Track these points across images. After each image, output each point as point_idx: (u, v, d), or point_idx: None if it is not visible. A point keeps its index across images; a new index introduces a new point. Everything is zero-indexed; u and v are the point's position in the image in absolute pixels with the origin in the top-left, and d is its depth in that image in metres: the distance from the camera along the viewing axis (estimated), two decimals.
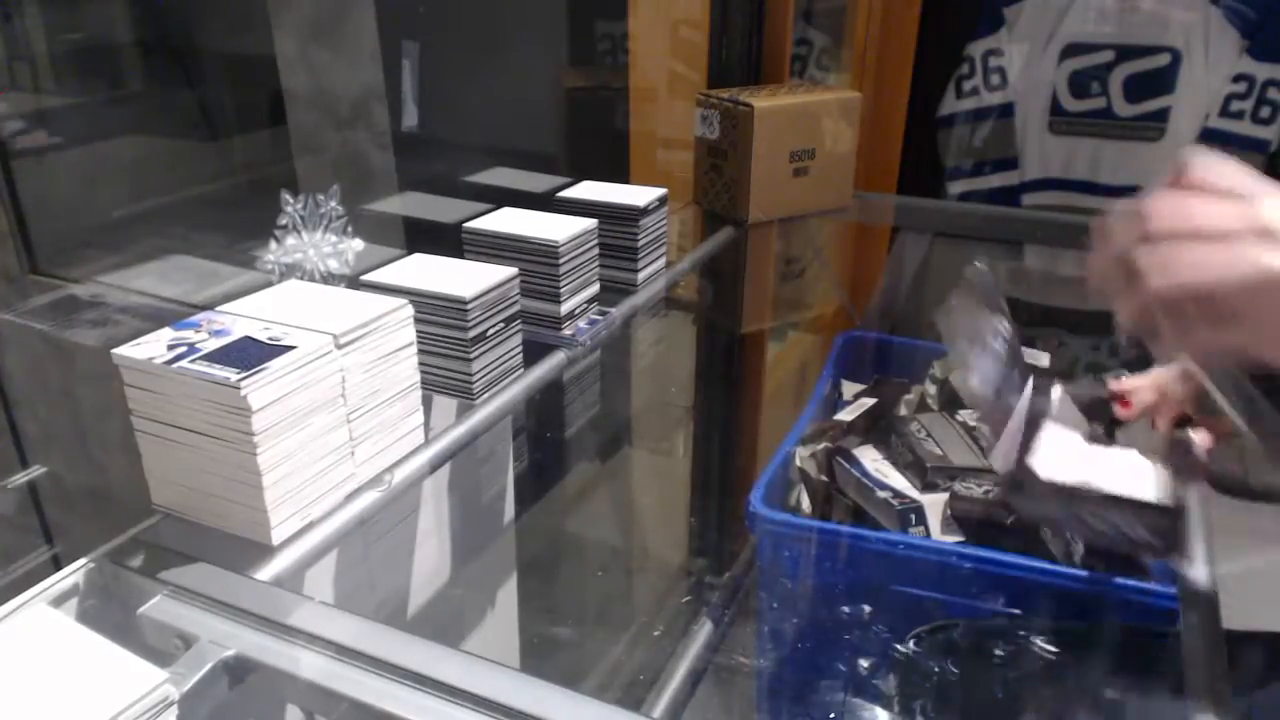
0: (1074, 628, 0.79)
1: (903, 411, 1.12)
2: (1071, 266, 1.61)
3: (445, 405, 0.73)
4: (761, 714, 1.07)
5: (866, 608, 0.89)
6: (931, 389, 1.14)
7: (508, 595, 1.02)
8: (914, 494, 0.95)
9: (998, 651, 0.78)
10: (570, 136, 1.36)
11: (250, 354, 0.55)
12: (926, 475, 0.97)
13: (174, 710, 0.43)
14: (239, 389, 0.52)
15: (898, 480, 0.99)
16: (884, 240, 1.63)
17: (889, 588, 0.89)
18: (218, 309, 0.62)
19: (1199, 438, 0.74)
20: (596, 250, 0.87)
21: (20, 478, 1.05)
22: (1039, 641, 0.78)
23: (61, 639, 0.45)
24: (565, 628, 1.25)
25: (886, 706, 0.79)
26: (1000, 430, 0.72)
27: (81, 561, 0.53)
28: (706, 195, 1.24)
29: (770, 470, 1.02)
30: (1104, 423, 0.79)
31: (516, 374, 0.77)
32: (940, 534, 0.92)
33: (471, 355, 0.71)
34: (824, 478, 1.02)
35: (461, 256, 0.84)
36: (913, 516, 0.92)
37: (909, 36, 1.59)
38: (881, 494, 0.94)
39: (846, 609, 0.90)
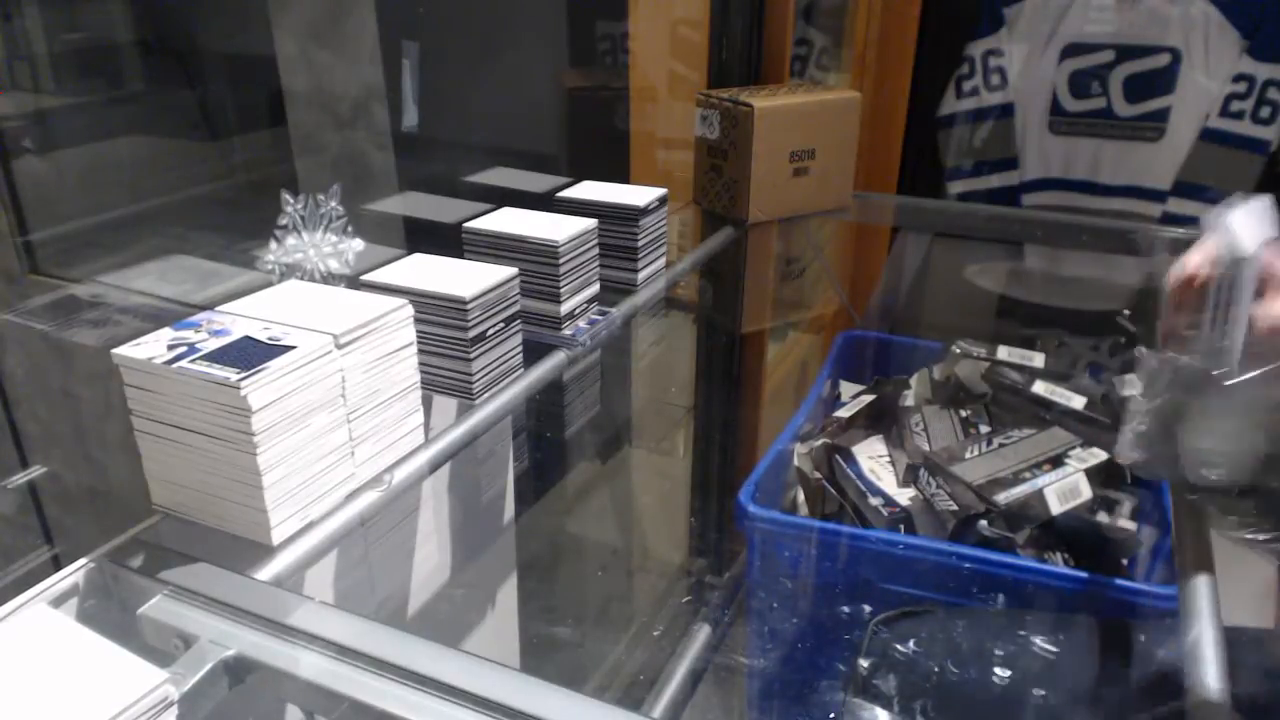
0: (1073, 627, 0.80)
1: (909, 402, 1.12)
2: (1071, 266, 1.61)
3: (445, 405, 0.73)
4: (752, 713, 1.07)
5: (867, 607, 0.89)
6: (929, 390, 1.14)
7: (508, 595, 1.02)
8: (904, 501, 0.95)
9: (997, 651, 0.78)
10: (570, 136, 1.36)
11: (250, 354, 0.55)
12: (919, 473, 0.97)
13: (174, 710, 0.43)
14: (239, 389, 0.52)
15: (890, 483, 0.99)
16: (884, 240, 1.63)
17: (883, 587, 0.89)
18: (218, 309, 0.62)
19: None
20: (596, 250, 0.87)
21: (20, 478, 1.05)
22: (1038, 641, 0.78)
23: (61, 639, 0.45)
24: (565, 628, 1.25)
25: (886, 706, 0.79)
26: None
27: (81, 561, 0.53)
28: (706, 195, 1.24)
29: (760, 468, 1.01)
30: None
31: (516, 374, 0.77)
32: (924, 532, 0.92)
33: (471, 355, 0.71)
34: (819, 475, 1.02)
35: (461, 256, 0.84)
36: (900, 528, 0.92)
37: (909, 36, 1.59)
38: (873, 500, 0.94)
39: (846, 609, 0.90)
